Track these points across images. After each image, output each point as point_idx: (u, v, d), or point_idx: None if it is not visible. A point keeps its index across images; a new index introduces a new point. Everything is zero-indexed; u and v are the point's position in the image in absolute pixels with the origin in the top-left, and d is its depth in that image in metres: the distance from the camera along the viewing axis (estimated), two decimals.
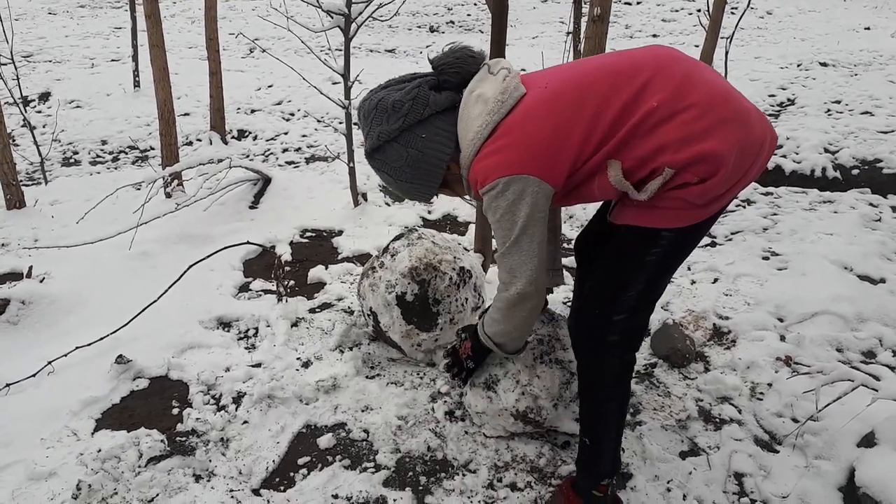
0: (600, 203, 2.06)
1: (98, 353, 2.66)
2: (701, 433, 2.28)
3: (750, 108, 1.62)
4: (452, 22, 13.46)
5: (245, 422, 2.35)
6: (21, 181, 4.39)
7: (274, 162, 5.95)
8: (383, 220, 4.03)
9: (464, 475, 2.11)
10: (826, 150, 4.85)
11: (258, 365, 2.64)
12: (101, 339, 2.72)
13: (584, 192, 1.73)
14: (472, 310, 2.65)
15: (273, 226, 3.92)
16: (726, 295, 3.10)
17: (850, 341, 2.70)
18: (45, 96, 7.77)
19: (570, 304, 2.60)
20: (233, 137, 6.59)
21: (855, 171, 4.61)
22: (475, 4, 14.83)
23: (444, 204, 4.32)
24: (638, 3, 14.30)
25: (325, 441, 2.26)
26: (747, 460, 2.14)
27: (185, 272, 3.05)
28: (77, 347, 2.66)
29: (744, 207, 4.19)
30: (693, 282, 3.23)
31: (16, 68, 5.57)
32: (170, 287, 2.97)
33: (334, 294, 3.15)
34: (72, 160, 6.25)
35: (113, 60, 9.61)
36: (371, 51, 10.84)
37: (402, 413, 2.37)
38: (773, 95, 6.69)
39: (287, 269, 3.42)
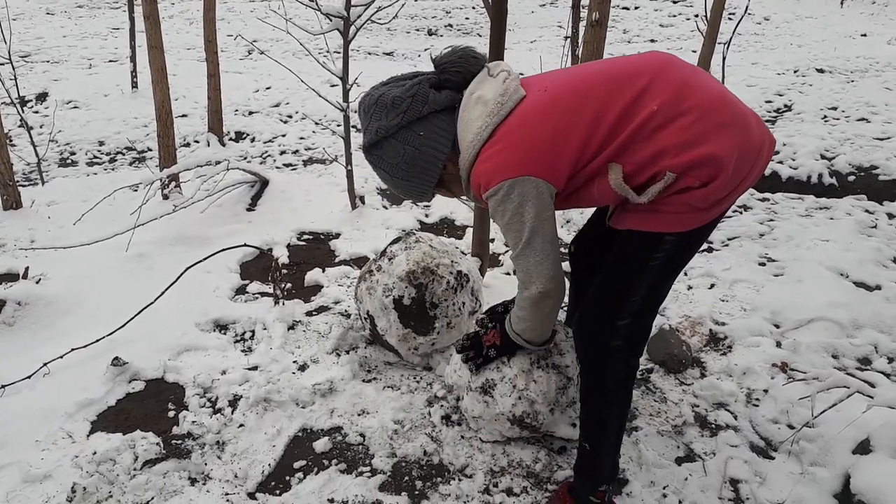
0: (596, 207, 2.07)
1: (94, 354, 2.66)
2: (697, 439, 2.29)
3: (747, 113, 1.63)
4: (451, 25, 13.48)
5: (241, 425, 2.34)
6: (18, 182, 4.37)
7: (272, 164, 5.94)
8: (381, 223, 4.03)
9: (460, 480, 2.11)
10: (822, 157, 4.86)
11: (254, 368, 2.63)
12: (97, 340, 2.71)
13: (583, 196, 1.74)
14: (469, 314, 2.65)
15: (270, 228, 3.92)
16: (723, 301, 3.11)
17: (846, 348, 2.71)
18: (42, 97, 7.75)
19: (565, 308, 2.60)
20: (230, 139, 6.58)
21: (851, 178, 4.63)
22: (474, 8, 14.85)
23: (441, 207, 4.33)
24: (636, 7, 14.34)
25: (321, 445, 2.25)
26: (743, 466, 2.14)
27: (181, 274, 3.05)
28: (73, 349, 2.65)
29: (740, 213, 4.21)
30: (690, 287, 3.23)
31: (13, 68, 5.56)
32: (166, 289, 2.97)
33: (331, 297, 3.15)
34: (69, 161, 6.24)
35: (111, 61, 9.59)
36: (369, 53, 10.85)
37: (399, 417, 2.37)
38: (769, 101, 6.70)
39: (284, 271, 3.42)
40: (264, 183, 4.44)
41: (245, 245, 3.52)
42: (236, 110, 7.20)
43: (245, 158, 6.08)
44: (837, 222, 3.90)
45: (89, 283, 3.26)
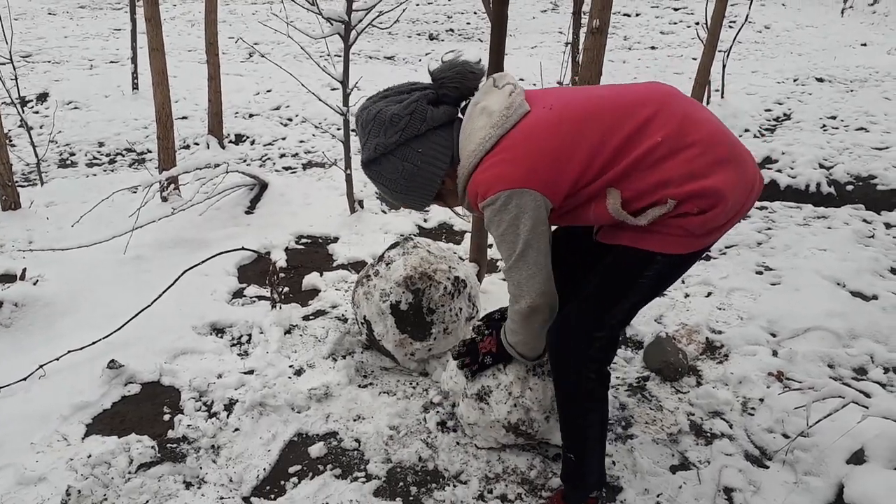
0: None
1: (90, 357, 2.66)
2: (692, 447, 2.29)
3: (744, 150, 1.70)
4: (452, 30, 13.50)
5: (236, 429, 2.34)
6: (17, 182, 4.38)
7: (271, 167, 5.94)
8: (379, 227, 4.03)
9: (455, 486, 2.11)
10: (821, 166, 4.87)
11: (250, 372, 2.63)
12: (94, 343, 2.71)
13: (578, 215, 1.76)
14: (466, 320, 2.65)
15: (269, 231, 3.92)
16: (719, 309, 3.11)
17: (842, 357, 2.71)
18: (42, 97, 7.75)
19: None
20: (230, 142, 6.59)
21: (849, 187, 4.64)
22: (475, 13, 14.88)
23: (440, 213, 4.33)
24: (637, 14, 14.37)
25: (316, 450, 2.25)
26: (737, 475, 2.14)
27: (179, 277, 3.05)
28: (69, 351, 2.65)
29: (738, 221, 4.21)
30: (686, 295, 3.24)
31: (14, 68, 5.57)
32: (164, 292, 2.97)
33: (328, 301, 3.15)
34: (68, 162, 6.24)
35: (112, 62, 9.60)
36: (370, 57, 10.86)
37: (394, 423, 2.37)
38: (769, 110, 6.72)
39: (282, 275, 3.42)
40: (263, 186, 4.45)
41: (243, 248, 3.52)
42: (236, 113, 7.21)
43: (245, 161, 6.08)
44: (835, 231, 3.90)
45: (87, 285, 3.26)
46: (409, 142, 1.75)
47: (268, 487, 2.13)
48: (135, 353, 2.70)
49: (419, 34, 13.17)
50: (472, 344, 2.19)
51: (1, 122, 4.07)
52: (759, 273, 3.43)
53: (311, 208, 4.32)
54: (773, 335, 2.88)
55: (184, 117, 7.05)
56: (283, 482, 2.15)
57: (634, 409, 2.47)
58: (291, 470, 2.19)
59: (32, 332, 2.95)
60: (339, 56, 3.92)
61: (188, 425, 2.34)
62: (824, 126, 6.11)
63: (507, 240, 1.70)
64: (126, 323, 2.81)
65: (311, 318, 3.04)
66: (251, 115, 7.22)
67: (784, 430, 2.32)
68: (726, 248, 3.79)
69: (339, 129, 6.53)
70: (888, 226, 4.08)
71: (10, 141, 6.55)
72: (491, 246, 3.50)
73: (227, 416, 2.39)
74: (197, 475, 2.16)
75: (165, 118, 4.41)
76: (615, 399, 2.51)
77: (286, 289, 3.31)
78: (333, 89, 7.50)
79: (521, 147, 1.66)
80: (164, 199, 4.37)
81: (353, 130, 3.92)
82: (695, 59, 7.39)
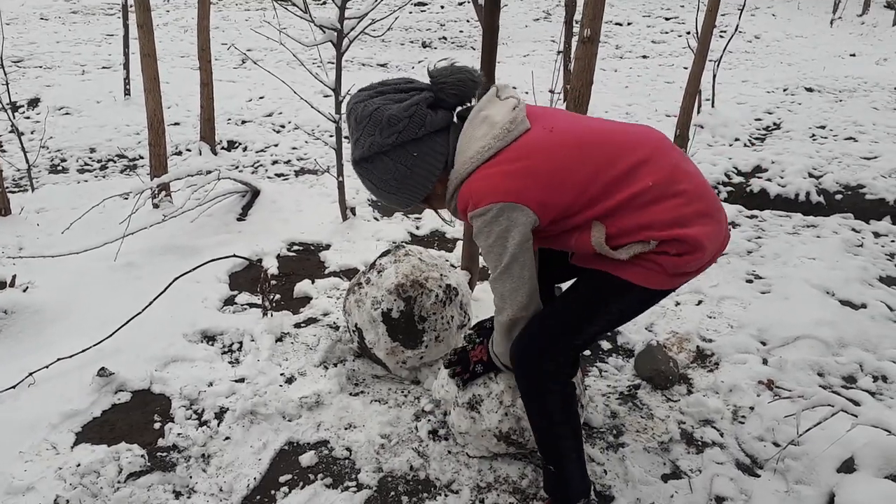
0: None
1: (80, 364, 2.64)
2: (683, 456, 2.29)
3: (721, 207, 1.82)
4: (445, 38, 13.55)
5: (227, 438, 2.33)
6: (7, 188, 4.36)
7: (263, 174, 5.94)
8: (371, 234, 4.03)
9: (446, 495, 2.10)
10: (810, 175, 4.91)
11: (241, 380, 2.62)
12: (84, 350, 2.69)
13: (559, 241, 1.82)
14: (457, 327, 2.65)
15: (260, 238, 3.91)
16: (710, 317, 3.13)
17: (832, 366, 2.73)
18: (34, 102, 7.72)
19: None
20: (222, 148, 6.57)
21: (838, 196, 4.67)
22: (468, 21, 14.94)
23: (432, 220, 4.33)
24: (629, 24, 14.46)
25: (307, 459, 2.24)
26: (728, 484, 2.15)
27: (169, 284, 3.04)
28: (59, 359, 2.63)
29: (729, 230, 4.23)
30: (677, 303, 3.25)
31: (5, 73, 5.54)
32: (154, 299, 2.96)
33: (320, 309, 3.15)
34: (59, 167, 6.22)
35: (104, 68, 9.58)
36: (363, 64, 10.88)
37: (386, 431, 2.37)
38: (759, 119, 6.77)
39: (273, 282, 3.41)
40: (255, 193, 4.44)
41: (234, 256, 3.51)
42: (229, 119, 7.20)
43: (237, 168, 6.07)
44: (824, 240, 3.93)
45: (77, 292, 3.24)
46: (405, 144, 1.74)
47: (258, 497, 2.12)
48: (125, 360, 2.68)
49: (412, 42, 13.20)
50: (463, 353, 2.19)
51: None
52: (750, 281, 3.45)
53: (303, 215, 4.31)
54: (764, 343, 2.90)
55: (176, 123, 7.03)
56: (273, 491, 2.13)
57: (625, 417, 2.48)
58: (282, 479, 2.18)
59: (22, 339, 2.93)
60: (332, 63, 3.93)
61: (178, 434, 2.33)
62: (814, 135, 6.16)
63: (495, 252, 1.72)
64: (116, 330, 2.79)
65: (302, 325, 3.03)
66: (243, 122, 7.21)
67: (774, 439, 2.33)
68: None
69: (331, 136, 6.53)
70: (877, 235, 4.11)
71: (1, 146, 6.52)
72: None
73: (218, 425, 2.38)
74: (187, 484, 2.15)
75: (157, 124, 4.40)
76: (606, 407, 2.51)
77: (277, 296, 3.30)
78: (326, 96, 7.51)
79: (520, 163, 1.68)
80: (156, 206, 4.36)
81: (345, 137, 3.92)
82: (686, 68, 7.45)
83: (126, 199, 4.45)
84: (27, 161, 5.19)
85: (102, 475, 2.13)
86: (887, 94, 7.28)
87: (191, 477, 2.17)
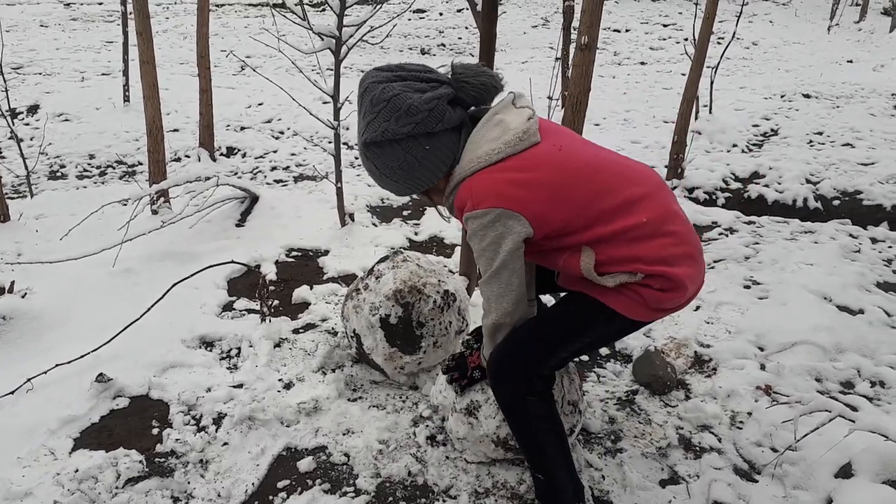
0: None
1: (78, 370, 2.64)
2: (681, 461, 2.29)
3: (702, 251, 1.87)
4: (443, 45, 13.59)
5: (225, 443, 2.33)
6: (6, 194, 4.36)
7: (262, 180, 5.95)
8: (370, 240, 4.04)
9: (444, 501, 2.10)
10: (808, 181, 4.93)
11: (240, 386, 2.62)
12: (82, 356, 2.69)
13: (547, 258, 1.85)
14: (455, 333, 2.65)
15: (259, 244, 3.92)
16: (708, 323, 3.13)
17: (829, 371, 2.73)
18: (33, 109, 7.74)
19: None
20: (221, 154, 6.58)
21: (836, 202, 4.69)
22: (466, 28, 14.99)
23: (431, 225, 4.35)
24: (627, 30, 14.52)
25: (305, 464, 2.24)
26: (726, 489, 2.15)
27: (168, 290, 3.04)
28: (57, 365, 2.63)
29: (726, 236, 4.24)
30: None
31: (5, 80, 5.55)
32: (153, 305, 2.96)
33: (318, 315, 3.15)
34: (58, 174, 6.22)
35: (103, 74, 9.60)
36: (362, 71, 10.91)
37: (384, 437, 2.37)
38: (756, 125, 6.79)
39: (272, 288, 3.41)
40: (254, 199, 4.45)
41: (233, 262, 3.51)
42: (228, 125, 7.21)
43: (236, 174, 6.08)
44: (822, 246, 3.94)
45: (75, 298, 3.24)
46: (419, 137, 1.72)
47: (256, 502, 2.12)
48: (123, 366, 2.68)
49: (411, 48, 13.24)
50: (461, 358, 2.19)
51: None
52: (747, 287, 3.46)
53: (302, 221, 4.32)
54: (761, 349, 2.90)
55: (175, 130, 7.05)
56: (271, 497, 2.13)
57: (623, 422, 2.48)
58: (280, 485, 2.18)
59: (20, 345, 2.93)
60: (331, 70, 3.94)
61: (176, 439, 2.33)
62: (811, 142, 6.18)
63: (487, 255, 1.73)
64: (115, 336, 2.79)
65: (300, 331, 3.03)
66: (242, 128, 7.23)
67: (772, 444, 2.34)
68: (714, 262, 3.82)
69: (330, 143, 6.55)
70: (874, 240, 4.12)
71: (0, 153, 6.53)
72: None
73: (216, 431, 2.38)
74: (185, 490, 2.14)
75: (156, 131, 4.41)
76: (604, 412, 2.52)
77: (276, 302, 3.30)
78: (325, 103, 7.52)
79: (527, 173, 1.70)
80: (155, 212, 4.36)
81: (344, 144, 3.94)
82: (683, 74, 7.47)
83: (125, 205, 4.44)
84: (26, 167, 5.20)
85: (100, 481, 2.13)
86: (884, 101, 7.31)
87: (189, 482, 2.17)
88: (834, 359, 2.82)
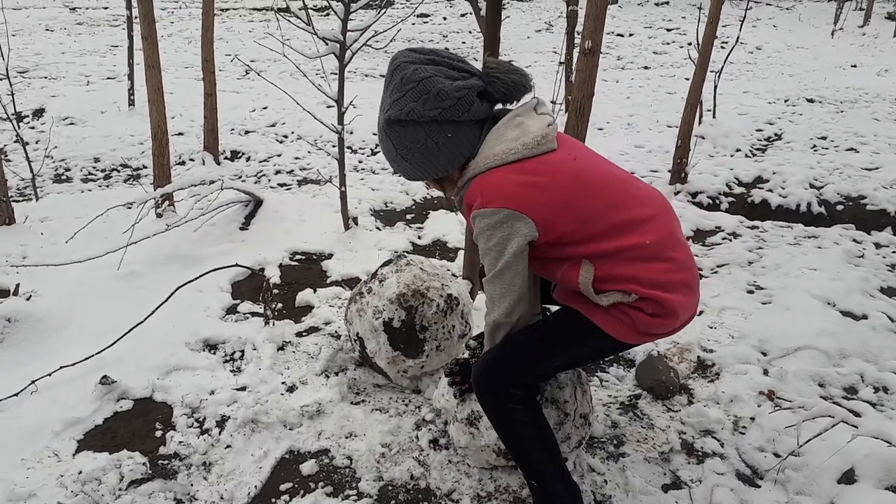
0: None
1: (83, 373, 2.65)
2: (683, 466, 2.29)
3: (699, 281, 1.88)
4: (447, 49, 13.61)
5: (228, 446, 2.34)
6: (12, 197, 4.38)
7: (266, 184, 5.97)
8: (373, 244, 4.05)
9: None
10: (811, 186, 4.93)
11: (243, 388, 2.63)
12: (87, 358, 2.70)
13: (546, 267, 1.85)
14: (458, 337, 2.66)
15: (263, 248, 3.93)
16: (711, 328, 3.13)
17: (832, 377, 2.73)
18: (39, 112, 7.78)
19: None
20: (226, 158, 6.61)
21: (839, 207, 4.68)
22: (470, 32, 15.02)
23: (434, 229, 4.35)
24: (630, 35, 14.53)
25: (307, 467, 2.25)
26: (729, 494, 2.14)
27: (172, 293, 3.05)
28: (62, 367, 2.64)
29: (730, 241, 4.24)
30: None
31: (10, 84, 5.59)
32: (157, 308, 2.97)
33: (322, 318, 3.16)
34: (63, 177, 6.26)
35: (109, 78, 9.65)
36: (366, 75, 10.94)
37: (387, 440, 2.37)
38: (760, 130, 6.79)
39: (275, 291, 3.42)
40: (258, 202, 4.46)
41: (237, 265, 3.52)
42: (232, 129, 7.24)
43: (240, 178, 6.11)
44: (825, 251, 3.94)
45: (80, 300, 3.26)
46: (444, 123, 1.73)
47: None
48: (127, 369, 2.69)
49: None
50: (465, 364, 2.20)
51: None
52: (751, 292, 3.46)
53: (306, 225, 4.33)
54: (764, 354, 2.90)
55: (179, 133, 7.08)
56: (274, 500, 2.14)
57: (626, 427, 2.48)
58: (283, 487, 2.18)
59: (25, 347, 2.95)
60: (335, 74, 3.95)
61: (180, 442, 2.34)
62: (815, 146, 6.18)
63: (492, 255, 1.75)
64: (119, 339, 2.81)
65: (304, 334, 3.04)
66: (247, 132, 7.26)
67: (775, 450, 2.33)
68: (718, 267, 3.82)
69: (334, 147, 6.57)
70: (878, 246, 4.12)
71: (6, 156, 6.56)
72: None
73: (219, 433, 2.39)
74: (188, 492, 2.15)
75: (161, 135, 4.43)
76: (607, 417, 2.52)
77: (280, 305, 3.31)
78: (329, 107, 7.55)
79: (540, 177, 1.71)
80: (159, 216, 4.38)
81: (348, 148, 3.95)
82: (687, 78, 7.47)
83: (129, 208, 4.47)
84: (31, 170, 5.22)
85: (104, 482, 2.14)
86: (888, 105, 7.30)
87: (192, 485, 2.17)
88: (837, 364, 2.82)
